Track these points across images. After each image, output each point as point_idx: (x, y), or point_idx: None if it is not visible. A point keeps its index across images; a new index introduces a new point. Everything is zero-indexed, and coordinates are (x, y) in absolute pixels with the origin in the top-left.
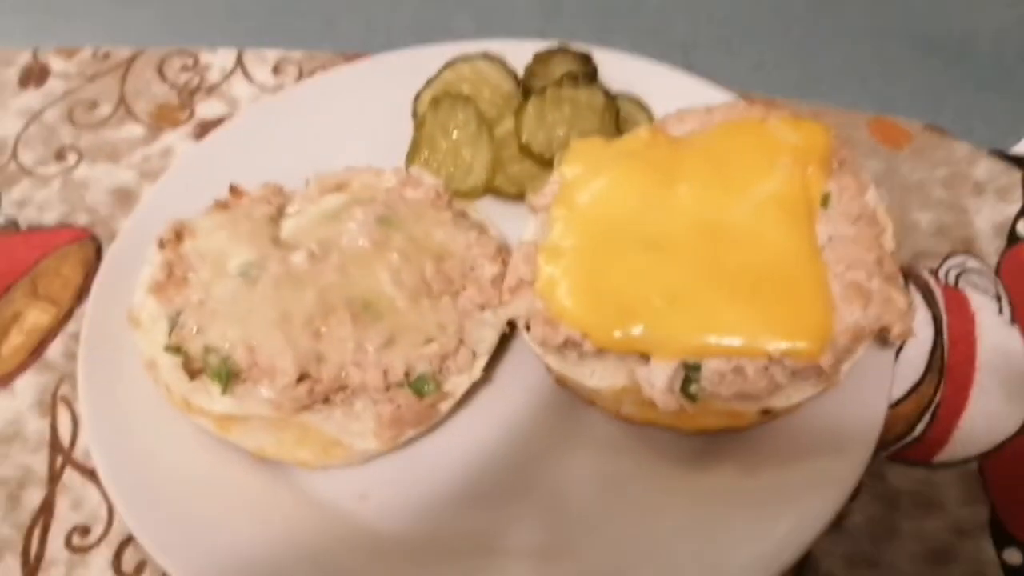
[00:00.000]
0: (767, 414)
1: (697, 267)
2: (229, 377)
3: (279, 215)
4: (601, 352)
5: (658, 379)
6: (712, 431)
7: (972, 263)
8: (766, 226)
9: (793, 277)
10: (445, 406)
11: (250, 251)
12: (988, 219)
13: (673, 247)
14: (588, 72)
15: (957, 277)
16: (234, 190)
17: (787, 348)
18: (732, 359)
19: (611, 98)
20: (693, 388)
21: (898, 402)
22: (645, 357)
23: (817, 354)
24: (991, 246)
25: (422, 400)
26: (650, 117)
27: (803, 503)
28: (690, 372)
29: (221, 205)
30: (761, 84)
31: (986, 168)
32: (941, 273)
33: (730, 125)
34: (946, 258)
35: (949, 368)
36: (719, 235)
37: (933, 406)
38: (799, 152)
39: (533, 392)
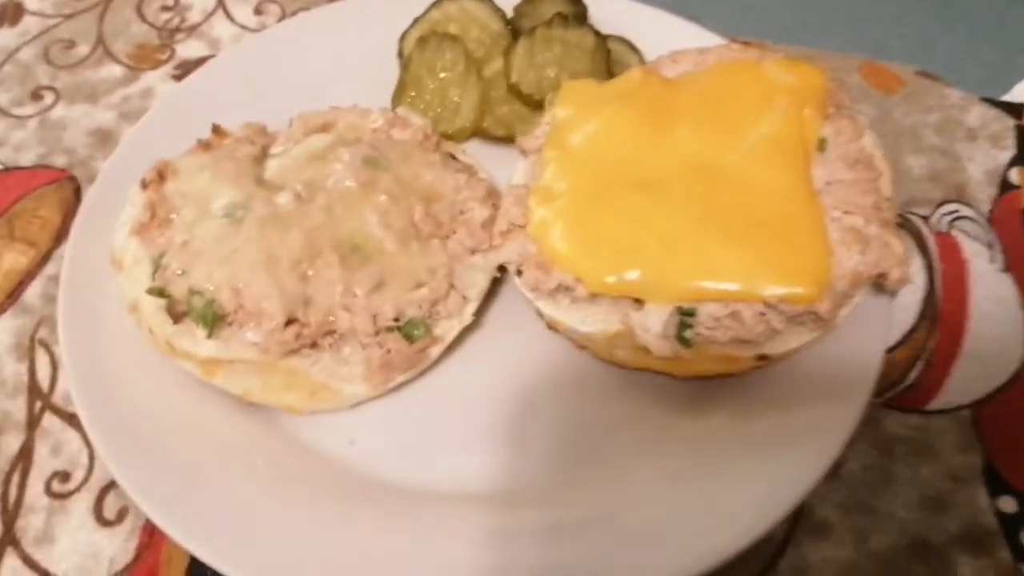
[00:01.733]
0: (763, 360)
1: (692, 210)
2: (215, 320)
3: (263, 156)
4: (594, 297)
5: (652, 324)
6: (707, 377)
7: (965, 210)
8: (762, 168)
9: (790, 220)
10: (435, 351)
11: (234, 192)
12: (981, 166)
13: (668, 189)
14: (578, 13)
15: (949, 224)
16: (217, 130)
17: (784, 293)
18: (728, 304)
19: (601, 39)
20: (688, 334)
21: (892, 349)
22: (639, 302)
23: (815, 299)
24: (983, 193)
25: (412, 345)
26: (641, 59)
27: (800, 450)
28: (685, 317)
29: (204, 145)
30: (751, 28)
31: (979, 114)
32: (933, 220)
33: (725, 66)
34: (939, 205)
35: (942, 316)
36: (715, 177)
37: (927, 353)
38: (795, 94)
39: (524, 337)
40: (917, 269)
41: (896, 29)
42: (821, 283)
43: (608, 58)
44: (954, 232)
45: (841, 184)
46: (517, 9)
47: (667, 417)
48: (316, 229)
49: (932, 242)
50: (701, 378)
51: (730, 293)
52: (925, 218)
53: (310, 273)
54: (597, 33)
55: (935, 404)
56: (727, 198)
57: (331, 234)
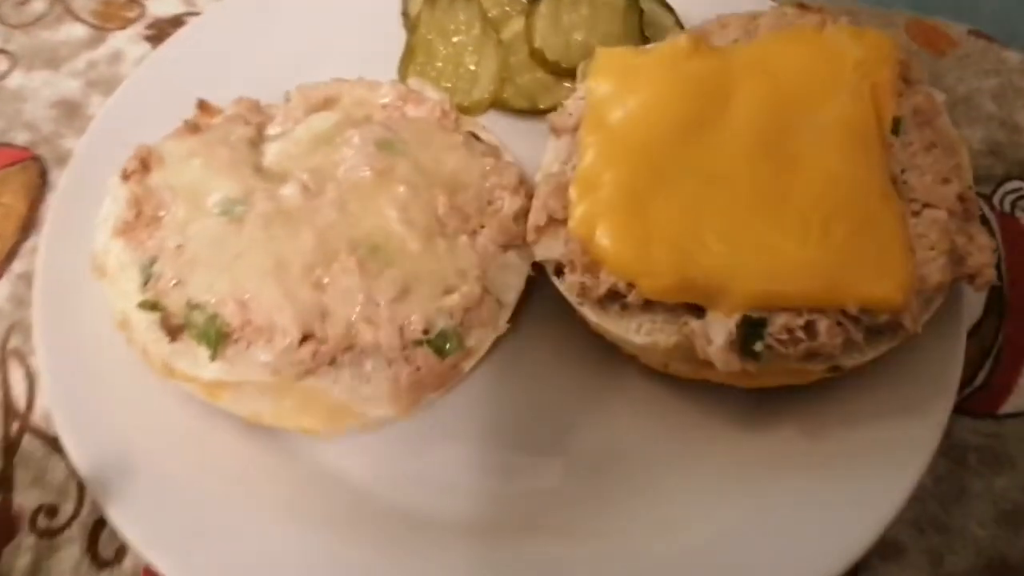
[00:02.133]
0: (835, 371)
1: (759, 202)
2: (219, 338)
3: (259, 138)
4: (649, 304)
5: (717, 335)
6: (769, 388)
7: None
8: (833, 154)
9: (869, 215)
10: (468, 364)
11: (231, 183)
12: None
13: (729, 178)
14: None
15: (1013, 204)
16: (204, 106)
17: (868, 299)
18: (803, 313)
19: None
20: (758, 346)
21: (972, 279)
22: (700, 309)
23: (900, 307)
24: None
25: (444, 360)
26: (676, 20)
27: (881, 469)
28: (754, 327)
29: (191, 126)
30: None
31: None
32: (995, 199)
33: (783, 35)
34: (1000, 183)
35: (1010, 307)
36: (781, 164)
37: (995, 349)
38: (864, 67)
39: (562, 343)
40: None
41: None
42: (906, 287)
43: (641, 19)
44: (1018, 213)
45: (919, 171)
46: None
47: (724, 432)
48: (329, 227)
49: (995, 224)
50: (762, 389)
51: (806, 300)
52: (986, 197)
53: (325, 280)
54: None
55: (1008, 407)
56: (797, 189)
57: (346, 233)
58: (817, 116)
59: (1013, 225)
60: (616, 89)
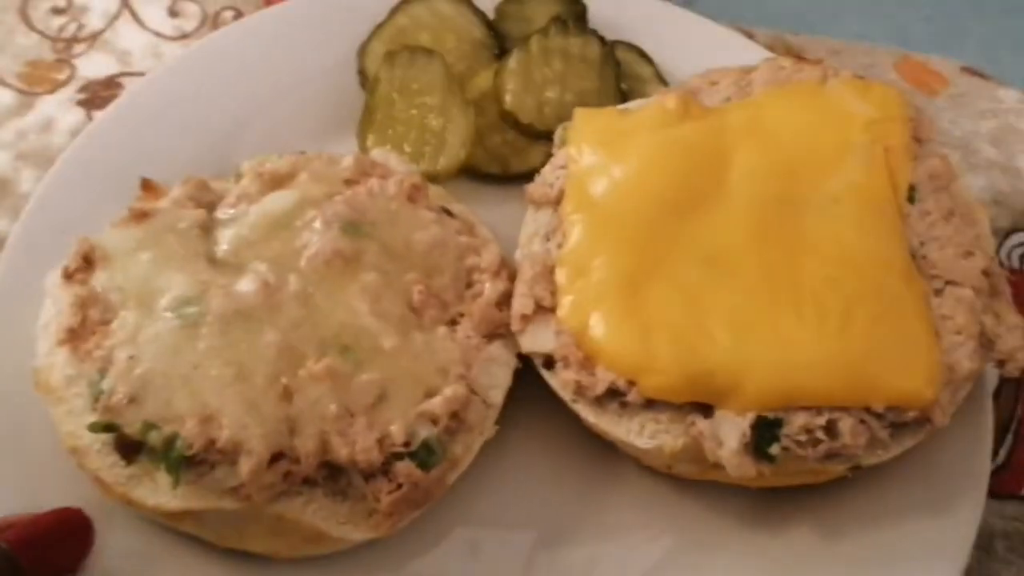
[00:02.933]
0: (855, 469)
1: (767, 285)
2: (179, 462)
3: (211, 221)
4: (651, 402)
5: (728, 437)
6: (783, 488)
7: None
8: (849, 229)
9: (891, 298)
10: (454, 475)
11: (184, 280)
12: None
13: (733, 258)
14: (578, 13)
15: (1022, 259)
16: (148, 187)
17: (896, 396)
18: (823, 411)
19: (609, 47)
20: (773, 448)
21: (1003, 364)
22: (708, 408)
23: (929, 402)
24: None
25: (429, 474)
26: (655, 71)
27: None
28: (769, 428)
29: (137, 213)
30: (757, 12)
31: None
32: (1003, 254)
33: (781, 92)
34: (1006, 235)
35: None
36: (790, 241)
37: (1015, 423)
38: (875, 128)
39: (552, 440)
40: None
41: (921, 11)
42: (936, 381)
43: (618, 72)
44: None
45: (938, 244)
46: (499, 9)
47: (736, 532)
48: (293, 327)
49: (1004, 283)
50: (776, 489)
51: (827, 398)
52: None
53: (293, 390)
54: (602, 40)
55: None
56: (810, 269)
57: (313, 332)
58: (826, 185)
59: None
60: (600, 157)
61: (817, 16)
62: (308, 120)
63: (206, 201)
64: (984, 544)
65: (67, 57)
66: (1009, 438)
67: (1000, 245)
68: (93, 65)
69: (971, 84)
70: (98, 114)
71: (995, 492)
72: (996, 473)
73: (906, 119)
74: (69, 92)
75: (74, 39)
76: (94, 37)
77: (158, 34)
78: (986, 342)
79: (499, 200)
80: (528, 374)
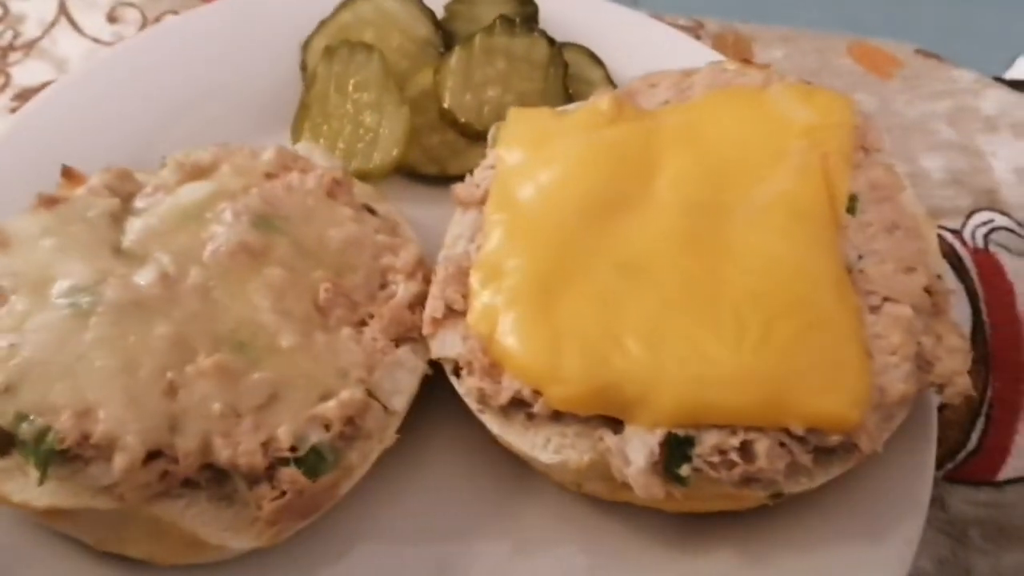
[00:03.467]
0: (777, 497)
1: (687, 296)
2: (49, 457)
3: (124, 211)
4: (558, 415)
5: (636, 455)
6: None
7: (1000, 219)
8: (776, 240)
9: (818, 313)
10: (347, 484)
11: (81, 268)
12: (1008, 162)
13: (653, 267)
14: (528, 14)
15: (986, 238)
16: (69, 174)
17: (815, 418)
18: (738, 431)
19: (557, 49)
20: (683, 469)
21: (944, 405)
22: (618, 422)
23: (855, 425)
24: (1017, 196)
25: (317, 482)
26: (606, 74)
27: None
28: (679, 447)
29: (46, 200)
30: (711, 1)
31: (996, 100)
32: (966, 234)
33: (720, 96)
34: (969, 215)
35: (994, 356)
36: (714, 251)
37: (985, 406)
38: (815, 134)
39: (462, 454)
40: (956, 299)
41: None
42: (862, 403)
43: (565, 74)
44: (992, 248)
45: (878, 258)
46: (449, 8)
47: (656, 555)
48: (188, 321)
49: (969, 261)
50: (694, 514)
51: (741, 416)
52: (956, 232)
53: (179, 385)
54: (551, 41)
55: (1008, 471)
56: (732, 280)
57: (208, 327)
58: (756, 193)
59: (988, 261)
60: (527, 158)
61: (770, 5)
62: (250, 115)
63: (125, 191)
64: (959, 534)
65: (2, 66)
66: (980, 422)
67: (963, 225)
68: (28, 73)
69: (925, 66)
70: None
71: (969, 479)
72: (969, 459)
73: (849, 126)
74: (3, 100)
75: (10, 47)
76: (30, 45)
77: (96, 40)
78: (924, 364)
79: (436, 202)
80: (444, 385)
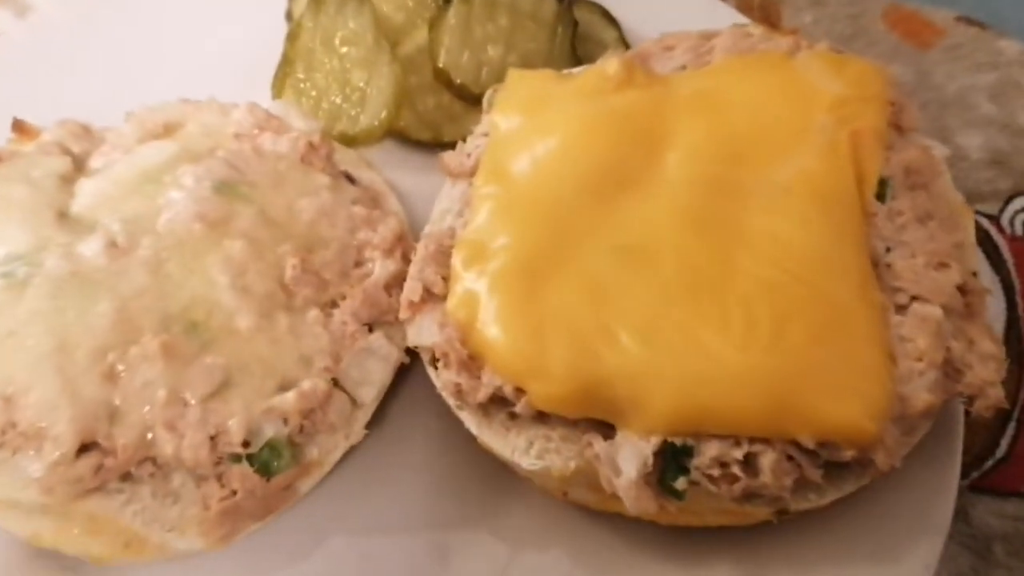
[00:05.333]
0: (782, 514)
1: (690, 286)
2: None
3: (76, 172)
4: (543, 416)
5: (627, 464)
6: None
7: None
8: (796, 227)
9: (837, 311)
10: (307, 484)
11: (20, 235)
12: None
13: (657, 252)
14: None
15: None
16: (20, 128)
17: (827, 429)
18: (741, 441)
19: (566, 5)
20: (679, 482)
21: (970, 406)
22: (608, 426)
23: (872, 439)
24: None
25: (270, 481)
26: (620, 35)
27: None
28: (676, 457)
29: None
30: None
31: None
32: (1004, 220)
33: (741, 63)
34: (1008, 199)
35: None
36: (726, 237)
37: (1017, 410)
38: (844, 110)
39: (441, 452)
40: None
41: None
42: (880, 415)
43: (574, 34)
44: None
45: (907, 251)
46: None
47: (648, 567)
48: (135, 297)
49: (1006, 249)
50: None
51: (745, 424)
52: (993, 218)
53: (120, 368)
54: None
55: None
56: (744, 269)
57: (157, 305)
58: (777, 172)
59: None
60: (524, 126)
61: None
62: (227, 68)
63: (80, 149)
64: (982, 549)
65: None
66: (1011, 427)
67: (1001, 211)
68: None
69: (968, 35)
70: None
71: (995, 488)
72: (996, 467)
73: (884, 101)
74: None
75: None
76: None
77: None
78: (952, 372)
79: (430, 171)
80: (421, 375)
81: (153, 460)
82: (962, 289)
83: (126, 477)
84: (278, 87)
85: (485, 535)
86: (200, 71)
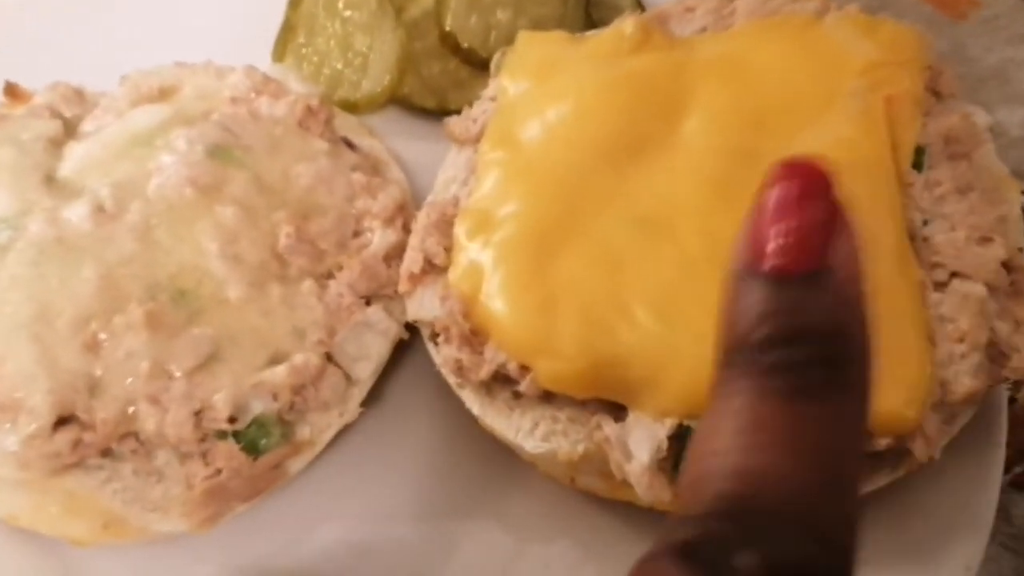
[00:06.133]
0: None
1: (714, 262)
2: None
3: (66, 135)
4: (550, 396)
5: (639, 449)
6: None
7: None
8: None
9: (872, 289)
10: (297, 464)
11: (6, 197)
12: None
13: (676, 225)
14: None
15: None
16: (12, 91)
17: None
18: None
19: None
20: None
21: (1012, 398)
22: (620, 407)
23: (910, 427)
24: None
25: (258, 460)
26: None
27: None
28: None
29: None
30: None
31: None
32: None
33: (766, 25)
34: None
35: None
36: (748, 207)
37: None
38: (878, 74)
39: (441, 432)
40: None
41: None
42: (918, 401)
43: None
44: None
45: (947, 224)
46: None
47: None
48: (122, 264)
49: None
50: None
51: None
52: None
53: (102, 338)
54: None
55: None
56: None
57: (144, 272)
58: (804, 139)
59: None
60: (534, 90)
61: None
62: (227, 32)
63: (72, 113)
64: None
65: None
66: None
67: None
68: None
69: (1006, 4)
70: None
71: None
72: None
73: (920, 65)
74: None
75: None
76: None
77: None
78: (997, 355)
79: (435, 139)
80: (422, 350)
81: (136, 436)
82: (1007, 265)
83: (107, 453)
84: (279, 52)
85: (489, 523)
86: (200, 35)
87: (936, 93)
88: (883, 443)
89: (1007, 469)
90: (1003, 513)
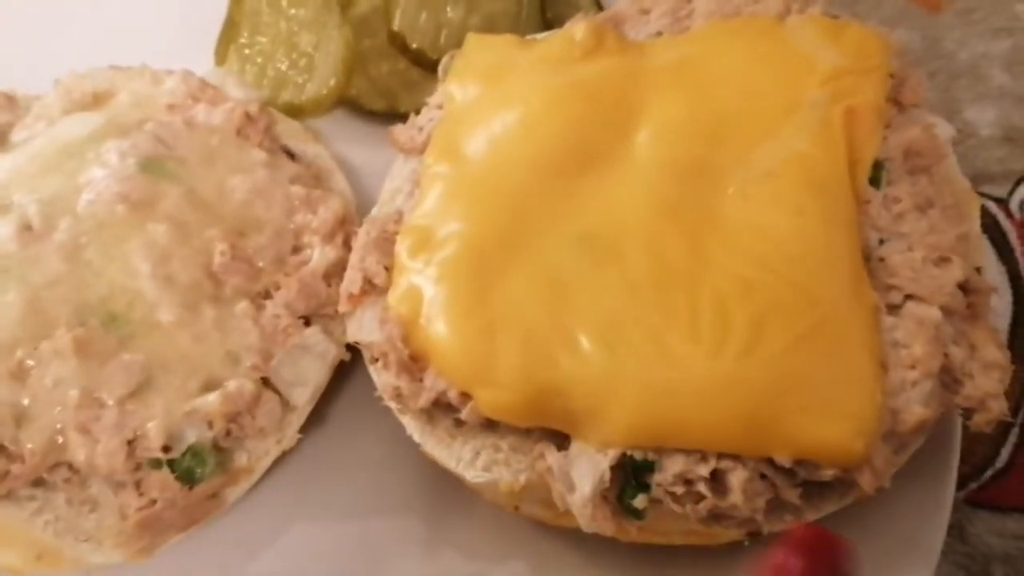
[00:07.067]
0: (753, 536)
1: (661, 284)
2: None
3: None
4: (492, 424)
5: (582, 480)
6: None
7: None
8: (779, 216)
9: (824, 313)
10: (235, 492)
11: None
12: None
13: (623, 244)
14: None
15: None
16: None
17: (807, 447)
18: (708, 457)
19: None
20: (639, 500)
21: (969, 413)
22: (563, 436)
23: (857, 459)
24: None
25: (193, 490)
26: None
27: None
28: (636, 473)
29: None
30: None
31: None
32: (1014, 203)
33: (724, 28)
34: (1019, 181)
35: None
36: (700, 227)
37: (1021, 415)
38: (841, 82)
39: (386, 456)
40: (995, 279)
41: None
42: (868, 432)
43: None
44: None
45: (904, 243)
46: None
47: None
48: (49, 286)
49: (1014, 238)
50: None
51: (713, 439)
52: (1001, 202)
53: (30, 364)
54: None
55: None
56: (718, 267)
57: (73, 295)
58: (760, 154)
59: None
60: (481, 97)
61: None
62: (168, 31)
63: (3, 120)
64: (979, 570)
65: None
66: (1013, 434)
67: (1010, 193)
68: None
69: None
70: None
71: (995, 503)
72: (996, 480)
73: (884, 73)
74: None
75: None
76: None
77: None
78: (951, 382)
79: (385, 145)
80: (363, 372)
81: (69, 465)
82: (964, 287)
83: (39, 483)
84: (221, 52)
85: (437, 549)
86: (141, 34)
87: (898, 104)
88: (829, 474)
89: (963, 485)
90: (957, 531)
